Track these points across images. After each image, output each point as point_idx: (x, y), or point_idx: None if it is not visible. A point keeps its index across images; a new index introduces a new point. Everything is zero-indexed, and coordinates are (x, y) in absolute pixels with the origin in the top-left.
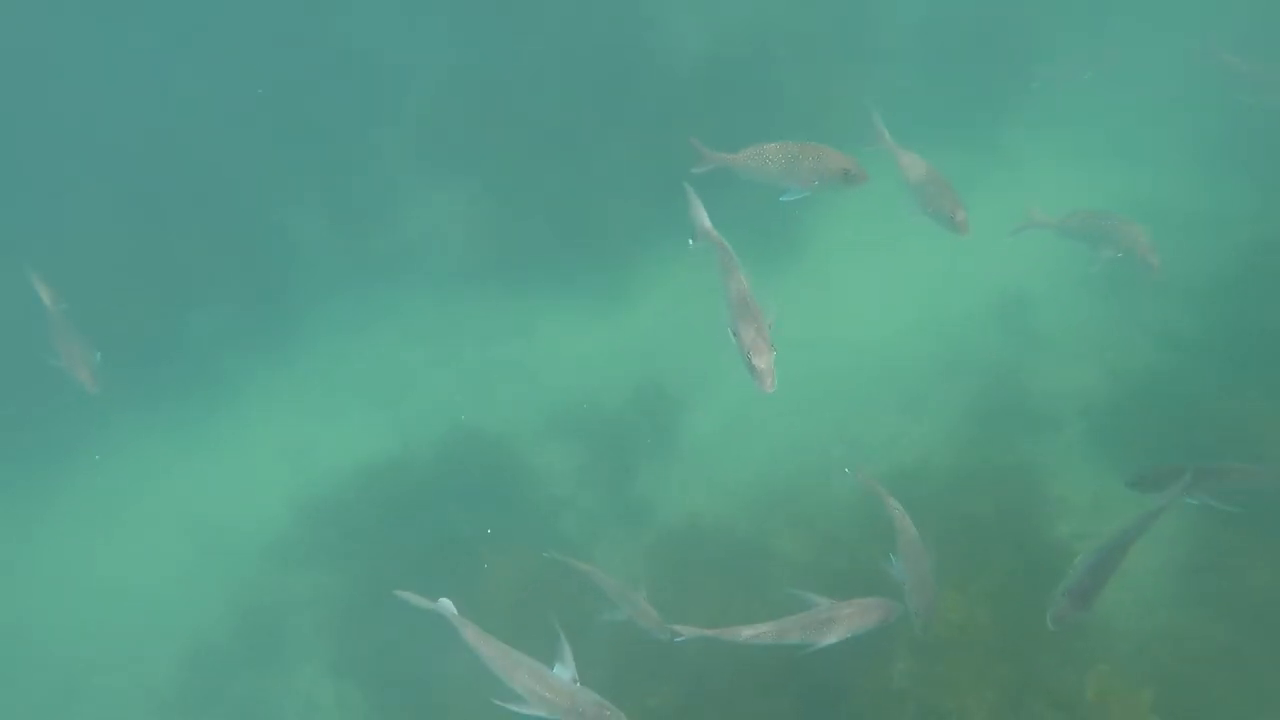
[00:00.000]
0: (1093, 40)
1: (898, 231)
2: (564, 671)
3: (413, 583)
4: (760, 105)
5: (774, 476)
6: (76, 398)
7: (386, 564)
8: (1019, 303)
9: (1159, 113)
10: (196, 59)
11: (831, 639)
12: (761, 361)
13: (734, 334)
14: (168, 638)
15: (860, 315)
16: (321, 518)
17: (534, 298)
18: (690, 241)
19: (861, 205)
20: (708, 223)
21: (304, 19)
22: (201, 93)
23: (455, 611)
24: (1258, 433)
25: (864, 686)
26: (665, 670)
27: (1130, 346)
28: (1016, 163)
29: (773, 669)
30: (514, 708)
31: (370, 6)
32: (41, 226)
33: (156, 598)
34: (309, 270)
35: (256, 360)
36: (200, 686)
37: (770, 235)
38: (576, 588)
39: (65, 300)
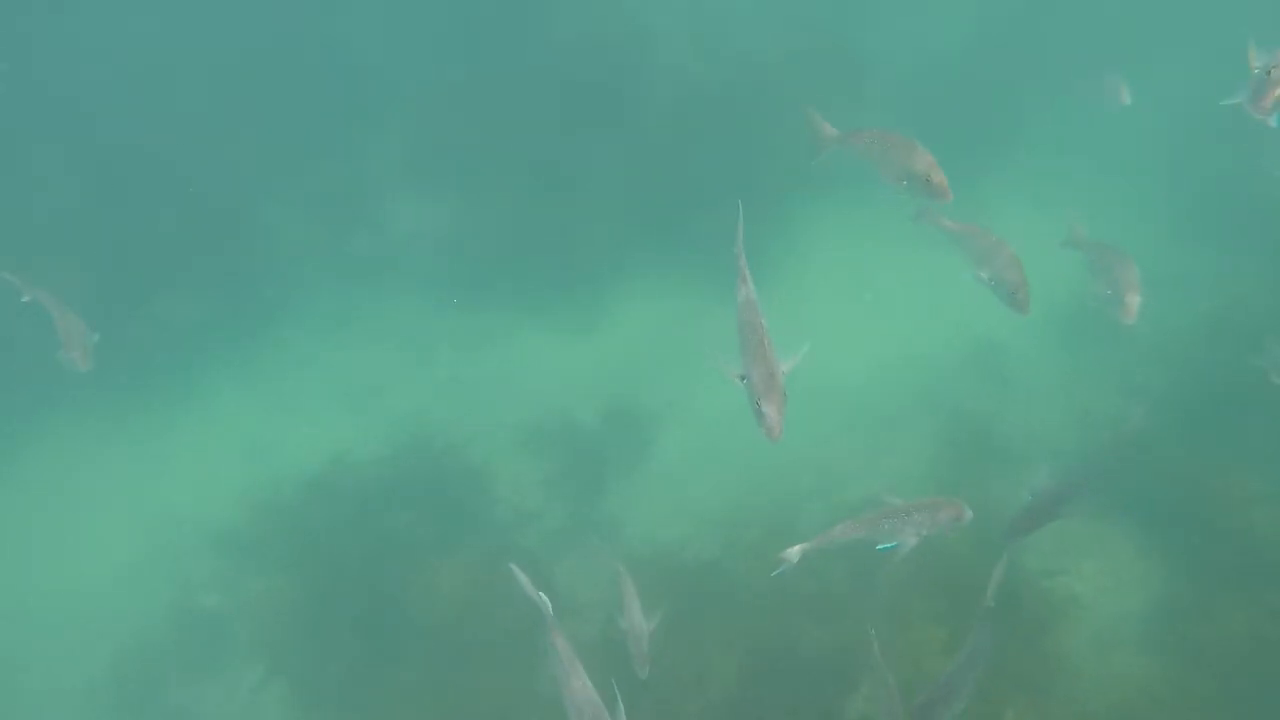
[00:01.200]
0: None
1: (874, 268)
2: None
3: (360, 588)
4: (749, 131)
5: (743, 502)
6: (30, 381)
7: (337, 567)
8: (992, 346)
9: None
10: (184, 56)
11: (910, 537)
12: (772, 409)
13: (743, 374)
14: (107, 633)
15: (836, 349)
16: (276, 517)
17: (508, 310)
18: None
19: (836, 245)
20: (740, 243)
21: (295, 20)
22: (188, 88)
23: (550, 613)
24: (1216, 485)
25: None
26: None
27: (1100, 393)
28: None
29: None
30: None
31: (362, 11)
32: (16, 216)
33: (98, 592)
34: (284, 268)
35: (223, 354)
36: (138, 685)
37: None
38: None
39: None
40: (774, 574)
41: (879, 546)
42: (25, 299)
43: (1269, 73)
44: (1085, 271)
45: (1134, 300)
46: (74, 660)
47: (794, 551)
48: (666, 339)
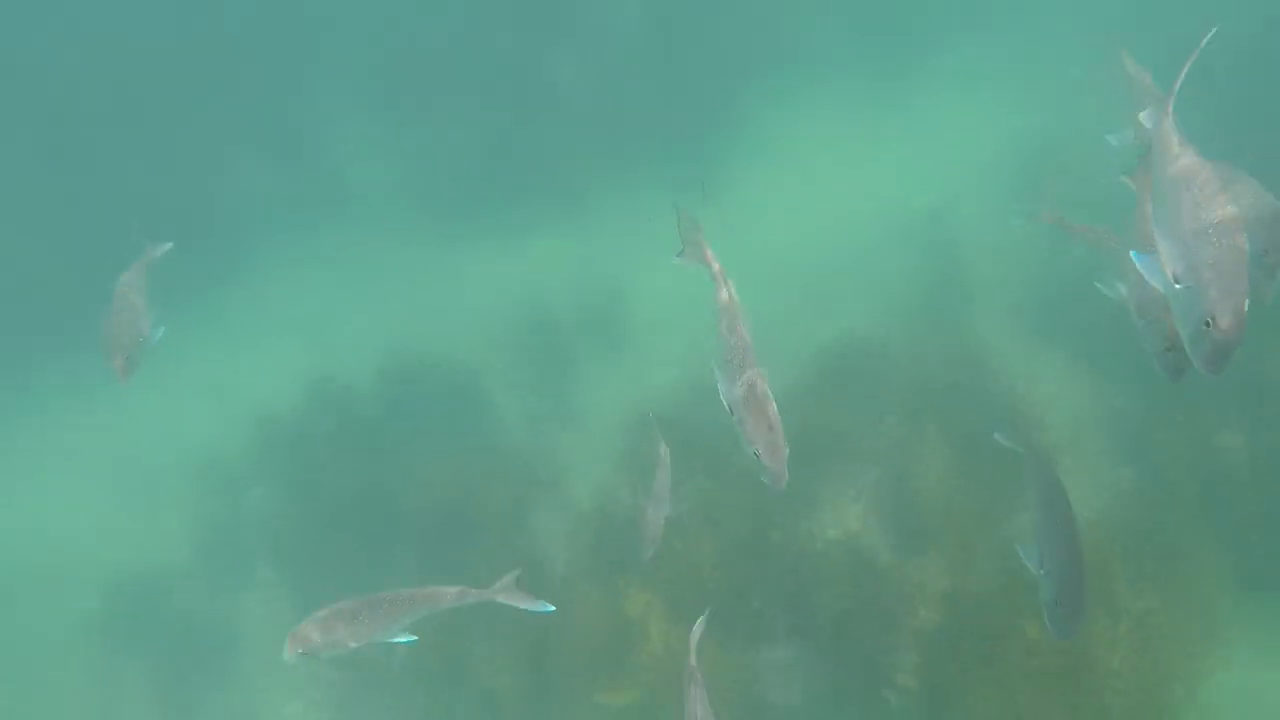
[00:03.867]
0: None
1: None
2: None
3: (353, 494)
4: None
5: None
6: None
7: (331, 477)
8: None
9: None
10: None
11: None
12: (774, 461)
13: (731, 410)
14: (99, 566)
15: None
16: (270, 437)
17: (465, 239)
18: (675, 258)
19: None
20: (708, 247)
21: None
22: (143, 41)
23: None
24: None
25: None
26: None
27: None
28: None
29: None
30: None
31: None
32: None
33: (82, 532)
34: (250, 212)
35: (196, 295)
36: (139, 606)
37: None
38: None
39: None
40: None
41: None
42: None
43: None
44: None
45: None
46: (70, 586)
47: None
48: (628, 244)
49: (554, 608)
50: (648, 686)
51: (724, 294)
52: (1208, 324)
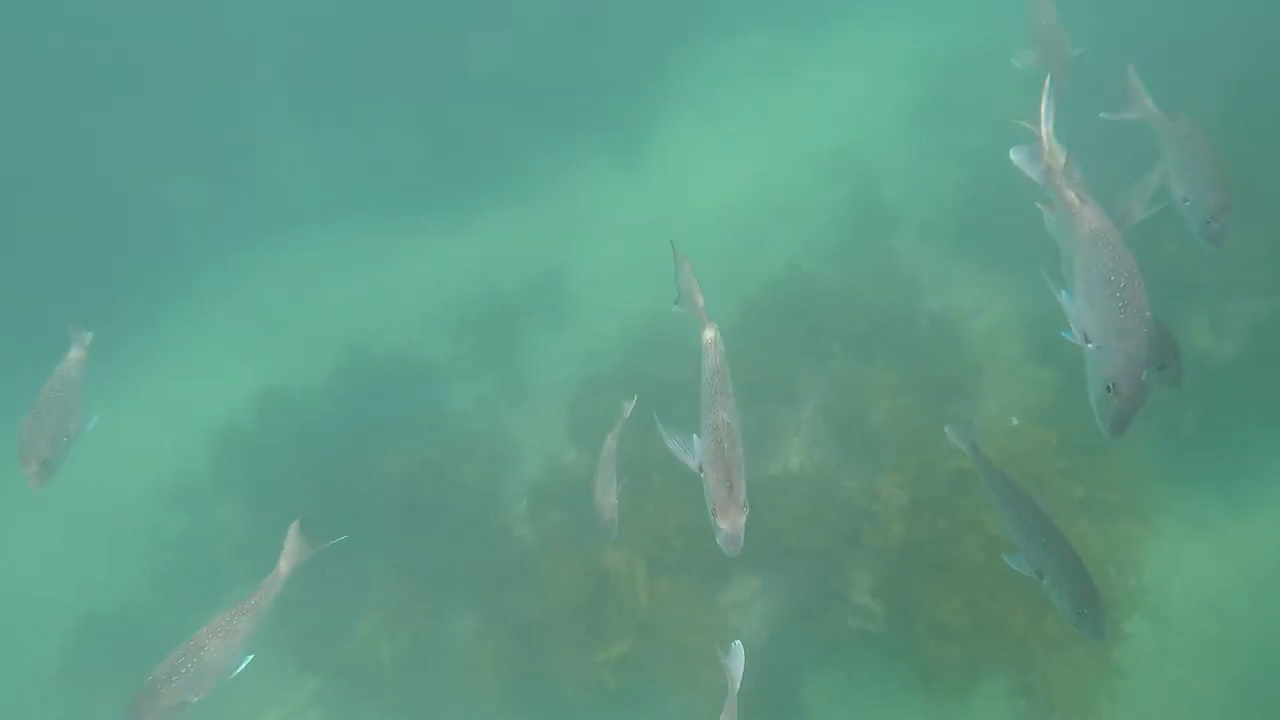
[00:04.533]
0: None
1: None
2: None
3: (319, 490)
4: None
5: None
6: None
7: (292, 479)
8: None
9: None
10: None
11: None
12: (727, 523)
13: (700, 468)
14: (58, 608)
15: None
16: (216, 458)
17: (402, 230)
18: (674, 306)
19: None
20: (700, 300)
21: None
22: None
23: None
24: None
25: None
26: None
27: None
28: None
29: None
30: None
31: None
32: None
33: (40, 572)
34: (183, 227)
35: (131, 327)
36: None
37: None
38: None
39: None
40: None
41: None
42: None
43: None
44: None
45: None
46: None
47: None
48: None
49: (347, 535)
50: (636, 634)
51: (709, 333)
52: (1109, 389)
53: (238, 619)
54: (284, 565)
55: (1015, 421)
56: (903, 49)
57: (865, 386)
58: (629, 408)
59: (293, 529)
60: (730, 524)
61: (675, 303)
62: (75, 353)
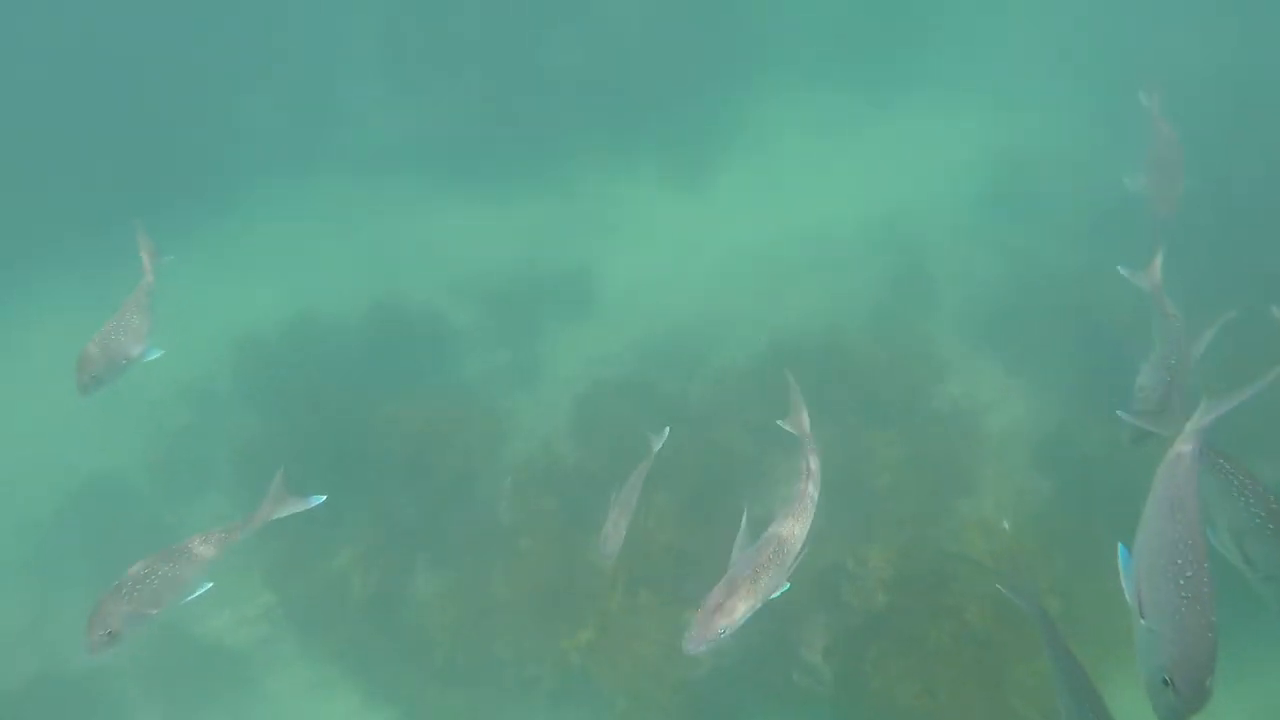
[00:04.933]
0: None
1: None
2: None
3: (326, 425)
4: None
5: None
6: None
7: (305, 407)
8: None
9: None
10: None
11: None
12: (700, 629)
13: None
14: (84, 456)
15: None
16: (247, 366)
17: (454, 198)
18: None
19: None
20: (806, 422)
21: None
22: None
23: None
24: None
25: None
26: None
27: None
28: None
29: None
30: None
31: None
32: None
33: (76, 427)
34: (250, 149)
35: (196, 222)
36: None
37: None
38: (481, 430)
39: None
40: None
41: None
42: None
43: None
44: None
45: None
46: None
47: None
48: (608, 220)
49: (325, 497)
50: (603, 624)
51: (814, 461)
52: (1166, 682)
53: (206, 545)
54: (257, 516)
55: (1007, 526)
56: (967, 133)
57: (871, 453)
58: (660, 440)
59: (276, 480)
60: (702, 631)
61: (783, 420)
62: (150, 279)
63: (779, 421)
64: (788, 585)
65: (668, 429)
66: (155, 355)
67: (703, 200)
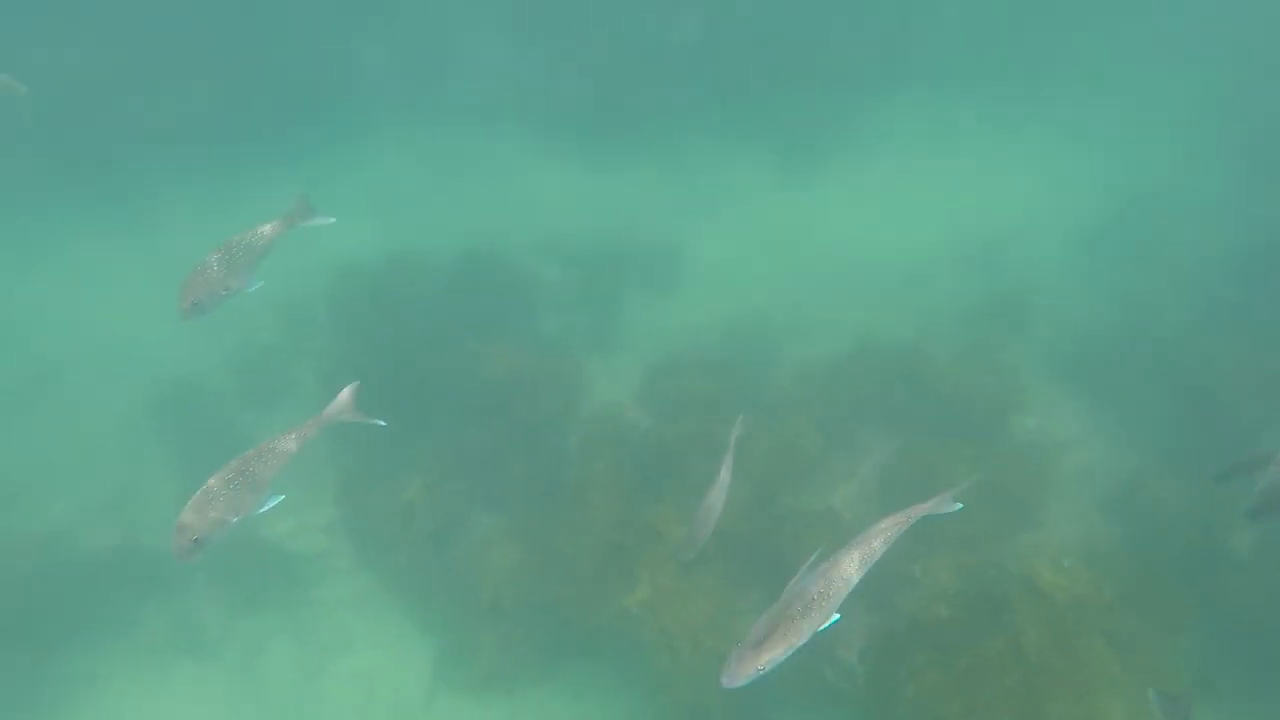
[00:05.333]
0: None
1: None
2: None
3: (414, 360)
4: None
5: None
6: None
7: (396, 340)
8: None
9: None
10: None
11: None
12: (736, 667)
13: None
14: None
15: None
16: (337, 294)
17: (558, 156)
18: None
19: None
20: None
21: None
22: None
23: None
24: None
25: None
26: None
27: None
28: None
29: None
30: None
31: None
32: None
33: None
34: (368, 87)
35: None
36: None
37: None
38: (556, 385)
39: None
40: None
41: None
42: None
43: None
44: None
45: None
46: (126, 387)
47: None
48: (709, 203)
49: (385, 423)
50: (657, 586)
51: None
52: None
53: (286, 442)
54: (327, 414)
55: (1067, 564)
56: (1092, 165)
57: (942, 470)
58: (738, 430)
59: (350, 389)
60: (740, 667)
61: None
62: (290, 220)
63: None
64: (837, 617)
65: (741, 418)
66: (256, 287)
67: (807, 194)
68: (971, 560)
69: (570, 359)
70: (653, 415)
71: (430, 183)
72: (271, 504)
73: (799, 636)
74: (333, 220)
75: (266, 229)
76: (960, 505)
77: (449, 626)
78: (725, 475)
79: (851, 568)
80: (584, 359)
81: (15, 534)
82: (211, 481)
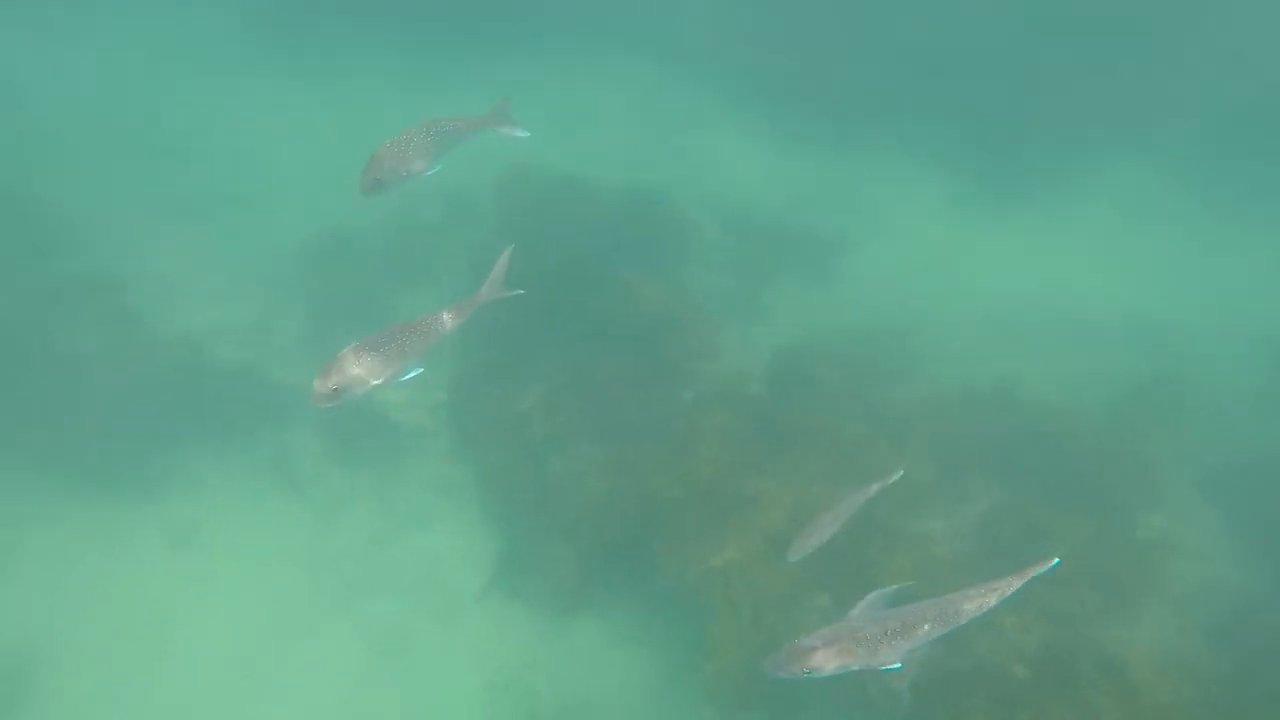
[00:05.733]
0: None
1: None
2: None
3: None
4: None
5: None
6: None
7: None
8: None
9: None
10: None
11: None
12: (811, 663)
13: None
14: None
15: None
16: (504, 191)
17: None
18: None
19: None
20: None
21: None
22: None
23: None
24: None
25: None
26: None
27: None
28: None
29: None
30: None
31: None
32: None
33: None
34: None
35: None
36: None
37: None
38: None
39: None
40: None
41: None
42: None
43: None
44: None
45: None
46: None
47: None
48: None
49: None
50: (742, 553)
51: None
52: None
53: (440, 320)
54: (483, 294)
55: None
56: None
57: (1048, 532)
58: (893, 478)
59: (505, 255)
60: (786, 663)
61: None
62: (476, 120)
63: None
64: (899, 666)
65: (901, 472)
66: (435, 170)
67: (990, 229)
68: (1065, 633)
69: (709, 317)
70: (774, 394)
71: (617, 115)
72: (411, 375)
73: (855, 662)
74: (527, 134)
75: (463, 124)
76: (1058, 561)
77: (523, 536)
78: (857, 501)
79: (937, 624)
80: (721, 321)
81: (164, 332)
82: (363, 343)
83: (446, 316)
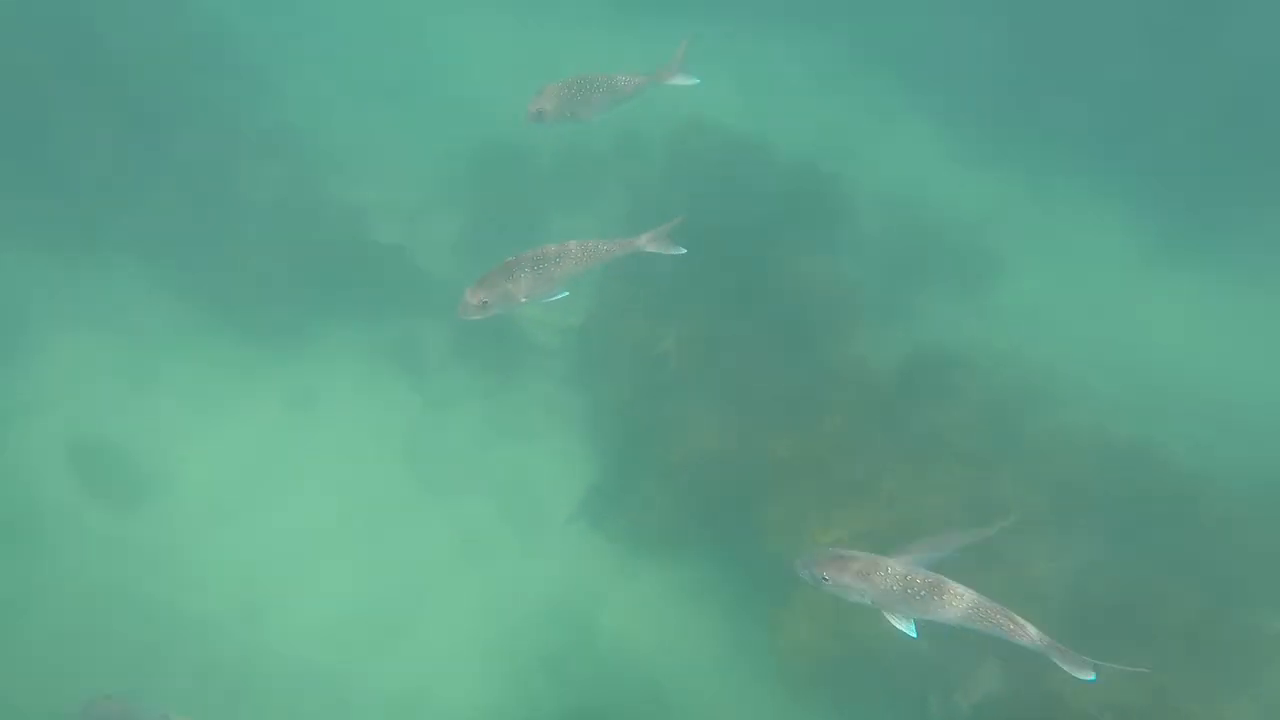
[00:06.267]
0: None
1: None
2: None
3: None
4: None
5: None
6: None
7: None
8: None
9: None
10: None
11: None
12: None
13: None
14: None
15: None
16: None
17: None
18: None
19: None
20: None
21: None
22: None
23: None
24: None
25: None
26: None
27: None
28: None
29: None
30: None
31: None
32: None
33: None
34: None
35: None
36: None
37: None
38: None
39: None
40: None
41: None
42: None
43: None
44: None
45: None
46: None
47: None
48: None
49: (685, 250)
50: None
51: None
52: None
53: (596, 249)
54: (641, 240)
55: None
56: None
57: (1166, 603)
58: (1005, 521)
59: (674, 222)
60: (813, 564)
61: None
62: (649, 76)
63: None
64: (914, 633)
65: (1014, 517)
66: (598, 119)
67: (1165, 275)
68: (1143, 690)
69: (857, 305)
70: (907, 394)
71: (803, 88)
72: (558, 296)
73: (869, 599)
74: (697, 82)
75: (638, 80)
76: (1094, 678)
77: (620, 472)
78: (962, 541)
79: (962, 615)
80: (868, 311)
81: (331, 198)
82: (518, 260)
83: (605, 248)
